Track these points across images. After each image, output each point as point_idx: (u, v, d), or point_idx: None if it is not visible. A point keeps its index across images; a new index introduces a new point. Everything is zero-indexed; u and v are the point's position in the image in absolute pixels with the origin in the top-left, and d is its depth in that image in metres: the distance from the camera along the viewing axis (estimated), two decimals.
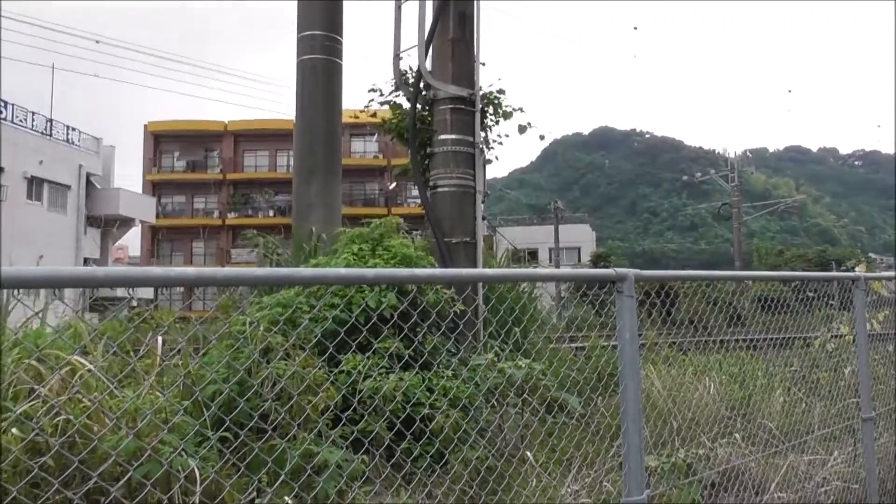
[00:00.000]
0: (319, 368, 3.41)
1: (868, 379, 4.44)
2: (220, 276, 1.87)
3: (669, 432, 4.63)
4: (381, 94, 6.17)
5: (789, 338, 6.19)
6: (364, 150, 48.58)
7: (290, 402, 3.25)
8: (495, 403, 3.81)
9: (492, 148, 5.91)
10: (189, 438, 2.96)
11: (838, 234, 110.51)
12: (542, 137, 6.38)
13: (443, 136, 5.74)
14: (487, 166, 6.30)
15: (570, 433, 3.80)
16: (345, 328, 3.62)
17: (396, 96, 6.11)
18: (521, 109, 6.04)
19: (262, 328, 3.89)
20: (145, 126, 50.43)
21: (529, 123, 6.10)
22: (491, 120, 6.00)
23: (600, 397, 4.10)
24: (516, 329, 4.56)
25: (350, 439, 3.04)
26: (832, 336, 6.49)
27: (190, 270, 1.72)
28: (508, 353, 5.06)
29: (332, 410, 3.48)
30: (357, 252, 4.42)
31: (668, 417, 4.78)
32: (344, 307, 4.15)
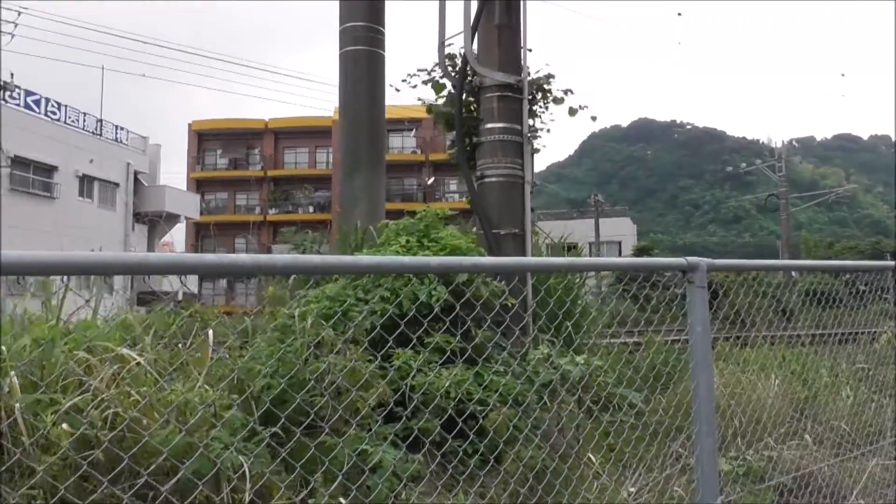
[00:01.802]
0: (371, 362, 3.29)
1: None
2: (280, 263, 1.76)
3: (733, 433, 4.41)
4: (428, 74, 6.03)
5: (850, 333, 5.87)
6: (402, 145, 48.65)
7: (343, 397, 3.15)
8: (548, 401, 3.65)
9: (538, 136, 5.71)
10: (240, 434, 2.87)
11: (891, 225, 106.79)
12: (594, 118, 6.15)
13: (490, 125, 5.58)
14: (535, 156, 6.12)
15: (628, 432, 3.62)
16: (404, 321, 3.52)
17: (441, 77, 5.97)
18: (570, 91, 5.84)
19: (309, 321, 3.80)
20: (189, 125, 51.38)
21: (581, 106, 5.91)
22: (540, 107, 5.81)
23: (659, 395, 3.90)
24: (567, 323, 4.40)
25: (406, 438, 2.91)
26: None
27: (244, 257, 1.61)
28: (560, 348, 4.90)
29: (385, 407, 3.37)
30: (405, 244, 4.30)
31: (730, 417, 4.56)
32: (393, 301, 4.03)
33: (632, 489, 3.55)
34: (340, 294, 4.16)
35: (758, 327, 6.27)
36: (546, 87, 5.80)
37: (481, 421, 3.55)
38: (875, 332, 6.12)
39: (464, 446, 3.39)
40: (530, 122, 5.74)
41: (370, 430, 3.06)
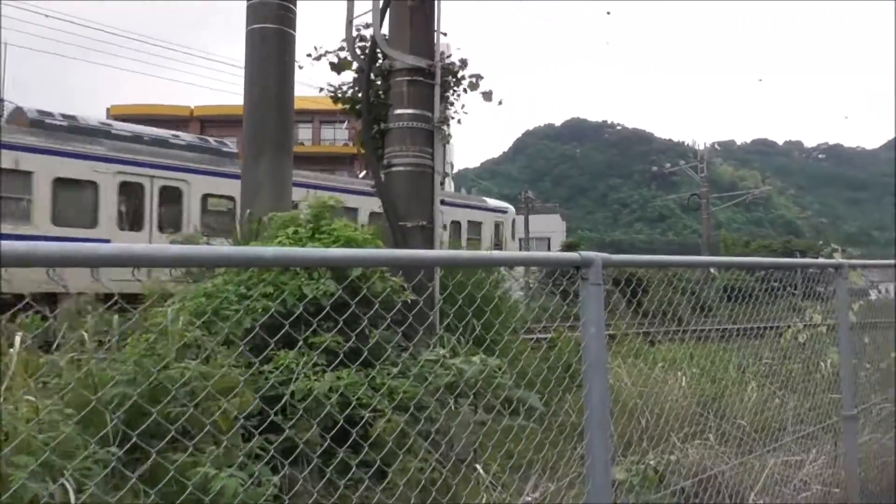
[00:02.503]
0: (237, 367, 2.95)
1: (851, 374, 4.12)
2: (166, 254, 1.56)
3: (638, 432, 4.27)
4: (335, 55, 5.65)
5: (759, 327, 5.89)
6: (334, 137, 47.69)
7: (208, 408, 2.80)
8: (443, 404, 3.40)
9: (449, 126, 5.44)
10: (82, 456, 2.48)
11: (801, 225, 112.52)
12: (500, 103, 5.91)
13: (399, 111, 5.28)
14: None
15: (528, 435, 3.40)
16: (289, 320, 3.18)
17: (345, 57, 5.60)
18: (481, 76, 5.59)
19: (181, 321, 3.42)
20: (108, 109, 48.91)
21: (491, 90, 5.66)
22: (453, 94, 5.54)
23: (567, 393, 3.71)
24: (476, 321, 4.16)
25: (289, 451, 2.59)
26: (805, 325, 6.20)
27: (136, 247, 1.36)
28: (467, 348, 4.66)
29: (262, 416, 3.03)
30: (293, 235, 3.96)
31: (637, 415, 4.42)
32: (277, 297, 3.69)
33: (529, 499, 3.33)
34: (220, 290, 3.79)
35: (671, 322, 6.22)
36: (459, 73, 5.54)
37: (370, 429, 3.28)
38: (781, 327, 6.14)
39: (347, 457, 3.10)
40: (442, 109, 5.47)
41: (236, 445, 2.72)
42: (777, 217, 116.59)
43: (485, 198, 26.48)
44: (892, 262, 4.65)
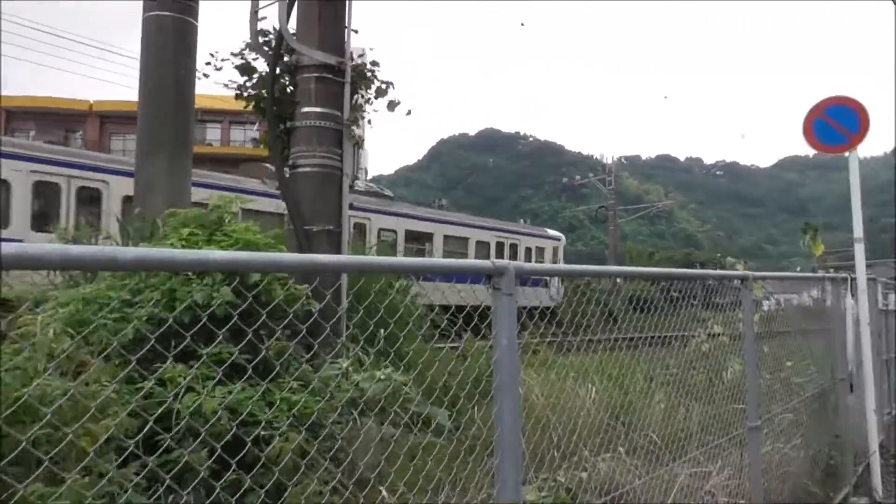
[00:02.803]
0: (113, 383, 2.62)
1: (756, 385, 4.17)
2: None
3: (549, 446, 4.17)
4: (240, 57, 5.30)
5: (665, 336, 5.97)
6: (244, 138, 46.21)
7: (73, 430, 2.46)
8: (346, 421, 3.17)
9: (359, 126, 5.20)
10: None
11: (701, 238, 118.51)
12: (408, 113, 5.74)
13: (306, 109, 5.00)
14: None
15: (436, 453, 3.22)
16: (188, 329, 2.86)
17: (254, 59, 5.28)
18: (391, 84, 5.38)
19: (52, 331, 3.03)
20: None
21: (398, 101, 5.46)
22: (361, 96, 5.30)
23: (476, 408, 3.55)
24: (381, 331, 3.95)
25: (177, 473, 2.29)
26: (709, 335, 6.33)
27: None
28: (372, 361, 4.44)
29: (135, 438, 2.70)
30: (188, 237, 3.62)
31: (549, 430, 4.32)
32: (166, 305, 3.35)
33: None
34: (100, 295, 3.41)
35: (583, 332, 6.19)
36: (370, 74, 5.31)
37: (267, 449, 3.00)
38: (686, 335, 6.24)
39: (239, 479, 2.81)
40: (353, 111, 5.24)
41: (103, 473, 2.39)
42: (679, 230, 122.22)
43: (546, 229, 32.80)
44: (796, 273, 4.76)
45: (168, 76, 6.11)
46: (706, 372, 5.39)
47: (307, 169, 4.93)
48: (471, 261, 2.32)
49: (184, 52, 6.26)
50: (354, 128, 5.12)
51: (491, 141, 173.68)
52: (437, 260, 2.70)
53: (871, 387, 6.10)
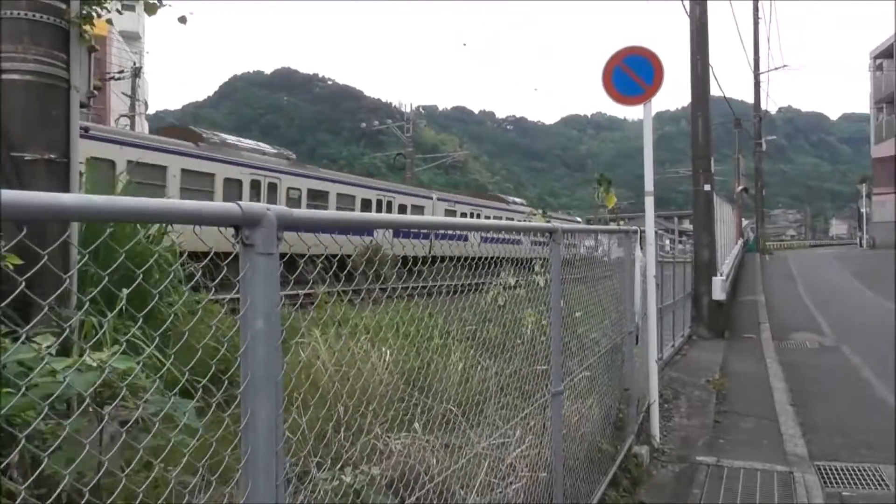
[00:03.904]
0: None
1: (559, 348, 3.86)
2: None
3: (335, 425, 3.54)
4: None
5: (462, 285, 5.59)
6: None
7: None
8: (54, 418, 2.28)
9: (93, 25, 3.99)
10: None
11: (492, 189, 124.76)
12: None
13: None
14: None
15: (178, 457, 2.43)
16: None
17: None
18: None
19: None
20: None
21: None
22: None
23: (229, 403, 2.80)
24: (122, 293, 3.00)
25: None
26: (503, 287, 6.06)
27: None
28: (108, 334, 3.47)
29: None
30: None
31: (333, 403, 3.69)
32: None
33: None
34: None
35: (374, 281, 5.58)
36: None
37: None
38: (480, 283, 5.90)
39: None
40: (104, 9, 4.02)
41: None
42: (472, 180, 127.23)
43: (420, 188, 35.28)
44: (600, 227, 4.53)
45: None
46: (503, 327, 5.06)
47: (15, 76, 3.66)
48: (213, 204, 1.53)
49: None
50: (88, 27, 3.92)
51: (288, 81, 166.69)
52: (178, 203, 2.09)
53: (654, 337, 6.26)
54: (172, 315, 4.10)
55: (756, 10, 40.74)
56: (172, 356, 1.86)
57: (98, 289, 1.71)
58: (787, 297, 19.79)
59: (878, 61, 50.62)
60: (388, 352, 4.74)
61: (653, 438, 5.95)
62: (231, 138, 22.99)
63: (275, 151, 23.97)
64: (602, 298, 5.18)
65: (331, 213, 1.94)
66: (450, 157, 63.24)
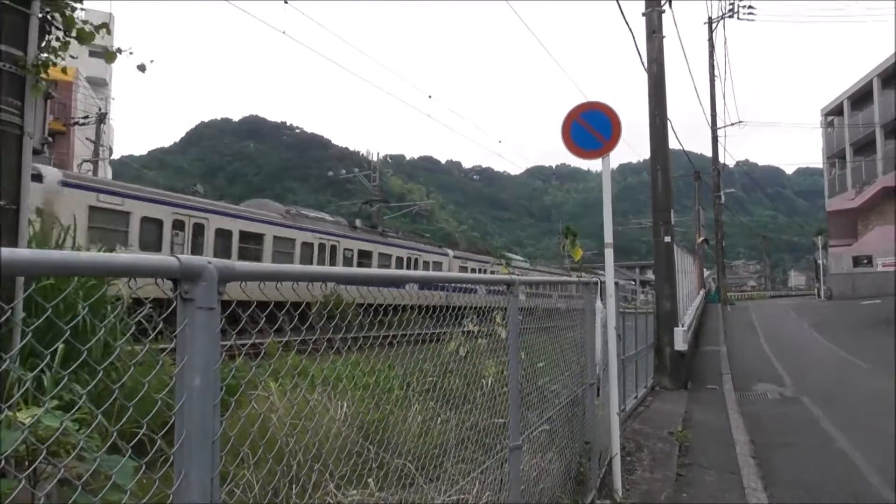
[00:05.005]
0: None
1: (518, 401, 3.83)
2: None
3: (288, 481, 3.43)
4: None
5: (422, 334, 5.53)
6: None
7: None
8: None
9: (48, 74, 3.95)
10: None
11: (459, 238, 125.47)
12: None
13: None
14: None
15: None
16: None
17: None
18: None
19: None
20: None
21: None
22: (56, 38, 4.06)
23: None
24: (60, 346, 2.90)
25: None
26: (465, 333, 6.01)
27: None
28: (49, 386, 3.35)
29: None
30: None
31: (288, 458, 3.58)
32: None
33: None
34: None
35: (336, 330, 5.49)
36: (65, 8, 4.07)
37: None
38: (443, 332, 5.86)
39: None
40: (42, 53, 3.99)
41: None
42: (438, 229, 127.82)
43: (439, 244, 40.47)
44: (561, 278, 4.55)
45: None
46: (464, 378, 5.00)
47: None
48: (152, 256, 1.50)
49: None
50: (43, 75, 3.89)
51: (256, 128, 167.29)
52: (111, 257, 2.00)
53: (616, 389, 6.25)
54: (104, 369, 3.97)
55: (712, 68, 42.39)
56: (102, 412, 1.78)
57: (24, 341, 1.64)
58: (749, 347, 20.07)
59: (829, 118, 52.88)
60: (346, 404, 4.65)
61: (615, 493, 5.88)
62: (304, 210, 27.55)
63: (332, 220, 28.29)
64: (563, 349, 5.18)
65: (270, 265, 1.90)
66: (416, 205, 63.66)
